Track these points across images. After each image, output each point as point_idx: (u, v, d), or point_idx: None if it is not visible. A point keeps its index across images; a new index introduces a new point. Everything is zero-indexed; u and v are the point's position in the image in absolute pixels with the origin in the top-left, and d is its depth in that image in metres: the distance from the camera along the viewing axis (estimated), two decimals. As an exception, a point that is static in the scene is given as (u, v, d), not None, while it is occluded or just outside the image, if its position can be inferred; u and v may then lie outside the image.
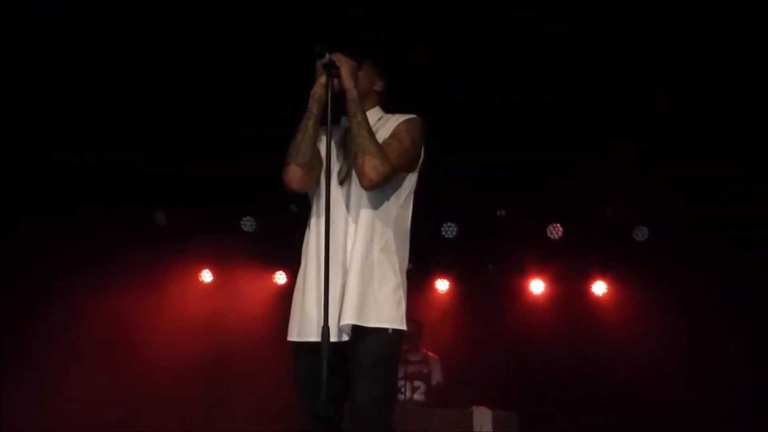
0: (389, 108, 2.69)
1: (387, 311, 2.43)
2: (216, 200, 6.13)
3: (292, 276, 7.12)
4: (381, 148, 2.43)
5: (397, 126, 2.56)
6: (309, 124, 2.49)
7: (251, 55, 5.04)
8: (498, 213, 6.47)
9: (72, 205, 5.56)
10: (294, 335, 2.48)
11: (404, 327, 2.47)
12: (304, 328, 2.44)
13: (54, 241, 5.65)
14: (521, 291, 6.68)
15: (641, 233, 6.26)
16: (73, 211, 5.58)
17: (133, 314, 5.96)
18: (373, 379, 2.37)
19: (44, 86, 5.07)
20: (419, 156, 2.60)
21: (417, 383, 5.66)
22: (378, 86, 2.66)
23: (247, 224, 6.46)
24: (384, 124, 2.59)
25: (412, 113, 2.61)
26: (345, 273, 2.42)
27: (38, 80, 5.02)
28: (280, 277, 6.60)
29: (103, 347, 5.83)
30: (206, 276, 6.57)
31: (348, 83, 2.48)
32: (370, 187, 2.43)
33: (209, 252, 6.41)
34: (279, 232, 6.13)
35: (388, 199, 2.52)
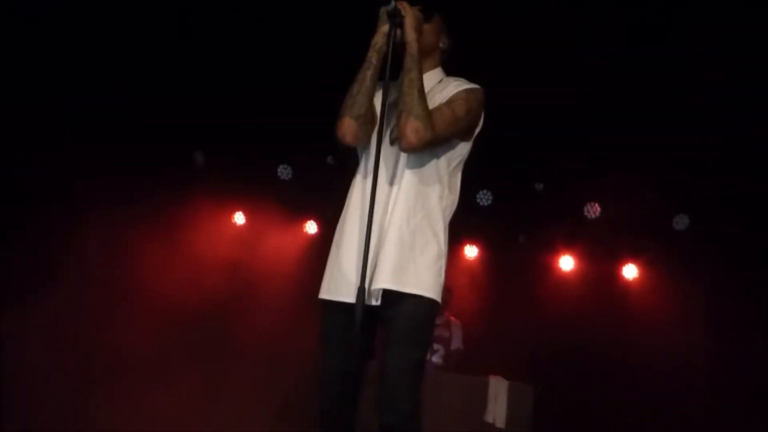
0: (448, 71, 2.58)
1: (427, 278, 2.36)
2: (255, 146, 6.16)
3: (323, 226, 7.21)
4: (428, 112, 2.31)
5: (456, 93, 2.43)
6: (368, 74, 2.38)
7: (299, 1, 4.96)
8: (536, 186, 6.39)
9: (111, 140, 5.61)
10: (325, 293, 2.44)
11: (440, 299, 2.40)
12: (337, 286, 2.39)
13: (92, 176, 5.73)
14: (550, 266, 6.63)
15: (681, 222, 6.14)
16: (114, 145, 5.65)
17: (163, 250, 6.05)
18: (407, 345, 2.31)
19: (91, 22, 5.07)
20: (475, 126, 2.49)
21: (437, 346, 5.68)
22: (443, 43, 2.54)
23: (284, 172, 6.50)
24: (444, 89, 2.47)
25: (472, 81, 2.48)
26: (384, 236, 2.34)
27: (80, 18, 5.02)
28: (311, 227, 6.65)
29: (130, 281, 5.92)
30: (239, 218, 6.64)
31: (411, 36, 2.34)
32: (409, 149, 2.33)
33: (244, 196, 6.47)
34: (314, 183, 6.17)
35: (438, 164, 2.42)
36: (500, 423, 4.74)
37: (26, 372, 5.38)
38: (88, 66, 5.28)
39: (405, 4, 2.36)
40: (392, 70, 2.33)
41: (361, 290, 2.21)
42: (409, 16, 2.35)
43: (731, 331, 5.79)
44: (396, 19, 2.33)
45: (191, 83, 5.48)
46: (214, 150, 6.34)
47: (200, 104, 5.63)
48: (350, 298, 2.30)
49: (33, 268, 5.47)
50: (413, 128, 2.29)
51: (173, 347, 5.85)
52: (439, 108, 2.38)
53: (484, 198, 6.43)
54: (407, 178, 2.39)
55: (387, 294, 2.33)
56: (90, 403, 5.57)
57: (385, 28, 2.36)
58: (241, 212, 6.63)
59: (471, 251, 6.74)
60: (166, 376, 5.71)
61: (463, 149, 2.50)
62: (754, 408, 5.52)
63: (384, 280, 2.31)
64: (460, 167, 2.52)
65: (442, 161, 2.44)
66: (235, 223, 6.64)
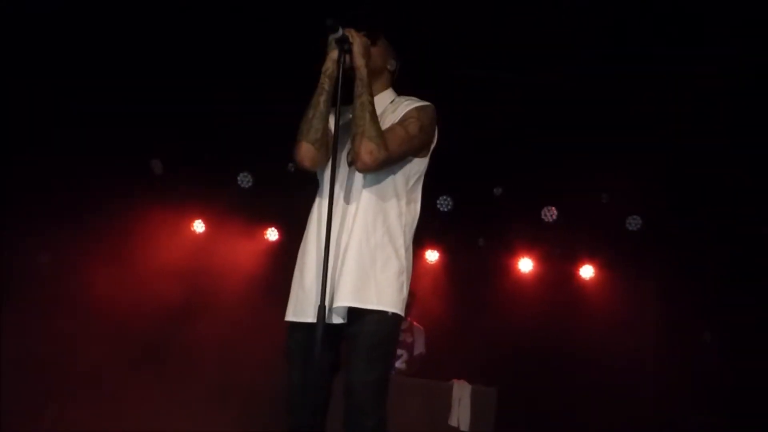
0: (401, 90, 2.62)
1: (389, 294, 2.38)
2: (215, 154, 6.13)
3: (284, 234, 7.17)
4: (381, 133, 2.36)
5: (408, 112, 2.48)
6: (320, 100, 2.43)
7: (259, 11, 4.97)
8: (495, 190, 6.49)
9: (68, 149, 5.53)
10: (290, 315, 2.46)
11: (402, 312, 2.43)
12: (302, 308, 2.42)
13: (48, 184, 5.64)
14: (510, 268, 6.73)
15: (634, 222, 6.30)
16: (69, 154, 5.57)
17: (121, 258, 5.98)
18: (370, 360, 2.34)
19: (41, 34, 4.99)
20: (429, 143, 2.53)
21: (400, 351, 5.71)
22: (390, 65, 2.59)
23: (244, 180, 6.47)
24: (395, 108, 2.52)
25: (424, 99, 2.53)
26: (344, 255, 2.37)
27: (34, 27, 4.94)
28: (272, 234, 6.63)
29: (90, 289, 5.84)
30: (198, 227, 6.59)
31: (359, 61, 2.40)
32: (363, 170, 2.38)
33: (204, 204, 6.42)
34: (275, 190, 6.16)
35: (396, 181, 2.47)
36: (464, 426, 4.80)
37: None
38: (41, 72, 5.19)
39: (352, 31, 2.42)
40: (343, 95, 2.39)
41: (321, 308, 2.24)
42: (357, 42, 2.41)
43: (680, 328, 5.98)
44: (344, 45, 2.39)
45: (149, 90, 5.43)
46: (172, 158, 6.29)
47: (158, 112, 5.59)
48: (315, 318, 2.31)
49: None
50: (367, 149, 2.34)
51: (130, 356, 5.79)
52: (392, 128, 2.43)
53: (444, 203, 6.50)
54: (365, 197, 2.43)
55: (350, 311, 2.37)
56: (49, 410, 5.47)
57: (334, 54, 2.42)
58: (200, 220, 6.58)
59: (432, 256, 6.80)
60: (120, 384, 5.66)
61: (420, 165, 2.54)
62: (701, 401, 5.71)
63: (345, 298, 2.35)
64: (419, 183, 2.56)
65: (399, 178, 2.48)
66: (194, 231, 6.59)
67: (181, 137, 5.98)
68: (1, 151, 5.34)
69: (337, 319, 2.36)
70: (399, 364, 5.71)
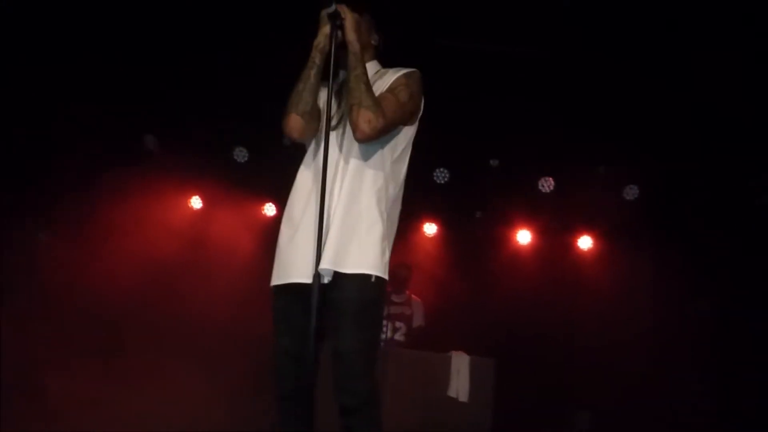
0: (384, 62, 2.67)
1: (371, 257, 2.42)
2: (210, 129, 6.09)
3: (281, 209, 7.19)
4: (377, 102, 2.42)
5: (396, 80, 2.54)
6: (311, 73, 2.49)
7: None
8: (491, 162, 6.47)
9: (63, 125, 5.50)
10: (275, 278, 2.49)
11: (386, 276, 2.46)
12: (286, 270, 2.45)
13: (43, 161, 5.61)
14: (508, 240, 6.73)
15: (632, 192, 6.30)
16: (64, 128, 5.53)
17: (118, 237, 5.97)
18: (358, 327, 2.36)
19: (35, 11, 4.93)
20: (418, 110, 2.58)
21: (398, 324, 5.73)
22: (374, 39, 2.64)
23: (239, 155, 6.44)
24: (381, 77, 2.57)
25: (411, 66, 2.58)
26: (329, 219, 2.40)
27: (29, 5, 4.87)
28: (270, 209, 6.62)
29: (87, 267, 5.84)
30: (196, 202, 6.58)
31: (351, 36, 2.46)
32: (363, 139, 2.42)
33: (200, 179, 6.40)
34: (271, 165, 6.13)
35: (382, 149, 2.51)
36: (463, 397, 4.83)
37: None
38: (36, 51, 5.14)
39: (344, 6, 2.46)
40: (333, 69, 2.45)
41: (315, 276, 2.27)
42: (349, 17, 2.45)
43: (678, 297, 6.00)
44: (337, 21, 2.44)
45: (142, 65, 5.38)
46: (167, 134, 6.25)
47: (152, 88, 5.54)
48: (299, 278, 2.37)
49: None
50: (365, 119, 2.40)
51: (129, 333, 5.81)
52: (383, 96, 2.48)
53: (441, 176, 6.48)
54: (353, 164, 2.47)
55: (334, 274, 2.39)
56: (48, 384, 5.51)
57: (326, 29, 2.46)
58: (197, 196, 6.57)
59: (430, 228, 6.80)
60: (118, 357, 5.67)
61: (407, 134, 2.58)
62: (698, 371, 5.75)
63: (328, 261, 2.36)
64: (406, 153, 2.60)
65: (387, 149, 2.53)
66: (191, 207, 6.58)
67: (175, 112, 5.93)
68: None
69: (324, 280, 2.37)
70: (398, 336, 5.74)
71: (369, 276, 2.41)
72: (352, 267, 2.39)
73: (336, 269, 2.38)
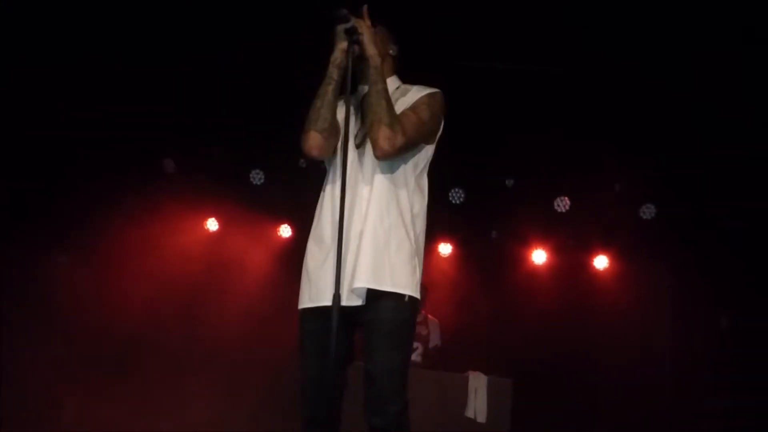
0: (403, 78, 2.64)
1: (403, 276, 2.38)
2: (226, 152, 6.15)
3: (297, 230, 7.20)
4: (397, 120, 2.38)
5: (419, 99, 2.50)
6: (329, 89, 2.44)
7: (265, 7, 4.97)
8: (506, 182, 6.47)
9: (81, 148, 5.58)
10: (306, 301, 2.45)
11: (418, 295, 2.43)
12: (317, 293, 2.41)
13: (63, 184, 5.68)
14: (523, 260, 6.71)
15: (648, 211, 6.27)
16: (82, 154, 5.61)
17: (136, 259, 6.02)
18: (391, 348, 2.33)
19: (50, 30, 5.01)
20: (438, 130, 2.56)
21: (415, 344, 5.71)
22: (392, 50, 2.60)
23: (256, 177, 6.49)
24: (403, 95, 2.54)
25: (433, 86, 2.55)
26: (359, 237, 2.37)
27: (47, 23, 4.95)
28: (286, 231, 6.65)
29: (105, 289, 5.89)
30: (212, 225, 6.62)
31: (371, 50, 2.42)
32: (382, 156, 2.39)
33: (217, 202, 6.45)
34: (287, 187, 6.18)
35: (405, 165, 2.48)
36: (481, 417, 4.79)
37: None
38: (55, 71, 5.21)
39: (360, 21, 2.43)
40: (351, 84, 2.39)
41: (336, 296, 2.21)
42: (366, 31, 2.42)
43: (696, 316, 5.94)
44: (354, 36, 2.40)
45: (160, 89, 5.45)
46: (184, 157, 6.32)
47: (169, 111, 5.61)
48: (330, 302, 2.29)
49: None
50: (385, 136, 2.36)
51: (147, 353, 5.86)
52: (404, 113, 2.45)
53: (456, 196, 6.49)
54: (378, 181, 2.44)
55: (367, 294, 2.36)
56: (65, 404, 5.54)
57: (343, 44, 2.42)
58: (213, 218, 6.61)
59: (445, 249, 6.80)
60: (136, 378, 5.72)
61: (428, 152, 2.56)
62: (717, 389, 5.67)
63: (363, 279, 2.34)
64: (426, 171, 2.58)
65: (410, 165, 2.51)
66: (207, 230, 6.62)
67: (192, 136, 6.00)
68: (18, 154, 5.38)
69: (356, 301, 2.35)
70: (415, 356, 5.71)
71: (403, 296, 2.38)
72: (385, 285, 2.36)
73: (371, 286, 2.35)
